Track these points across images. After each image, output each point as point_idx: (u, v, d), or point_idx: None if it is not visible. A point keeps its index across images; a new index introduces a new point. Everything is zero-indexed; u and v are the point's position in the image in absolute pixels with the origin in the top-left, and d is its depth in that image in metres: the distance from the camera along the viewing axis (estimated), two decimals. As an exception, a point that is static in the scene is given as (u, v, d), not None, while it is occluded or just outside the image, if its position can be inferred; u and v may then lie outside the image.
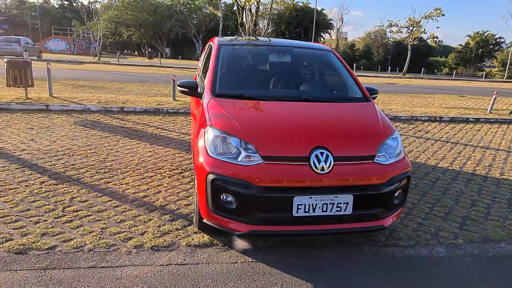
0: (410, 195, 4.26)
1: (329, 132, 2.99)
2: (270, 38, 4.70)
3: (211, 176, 2.68)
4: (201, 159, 2.79)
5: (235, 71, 3.79)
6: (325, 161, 2.69)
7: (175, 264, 2.70)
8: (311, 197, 2.65)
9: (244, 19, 9.36)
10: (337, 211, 2.72)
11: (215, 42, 4.08)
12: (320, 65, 4.17)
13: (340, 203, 2.71)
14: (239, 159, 2.69)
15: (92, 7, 57.69)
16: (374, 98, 3.97)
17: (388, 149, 2.99)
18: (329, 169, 2.69)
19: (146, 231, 3.14)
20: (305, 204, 2.65)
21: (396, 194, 2.95)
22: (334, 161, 2.72)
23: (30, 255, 2.71)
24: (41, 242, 2.87)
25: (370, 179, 2.77)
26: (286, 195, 2.63)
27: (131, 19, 51.86)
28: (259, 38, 4.60)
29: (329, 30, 57.02)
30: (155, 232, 3.13)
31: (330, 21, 56.74)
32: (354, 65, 34.47)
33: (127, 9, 53.17)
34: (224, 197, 2.71)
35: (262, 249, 2.97)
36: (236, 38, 4.61)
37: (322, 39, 55.06)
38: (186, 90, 3.57)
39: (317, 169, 2.67)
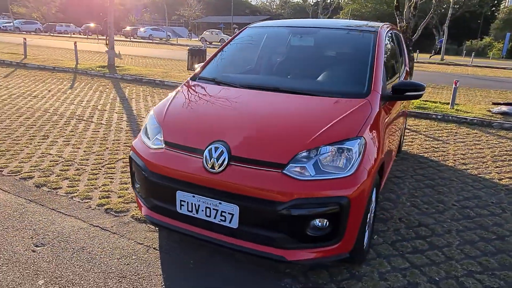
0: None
1: (241, 126, 2.45)
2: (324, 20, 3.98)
3: (130, 153, 2.76)
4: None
5: (237, 55, 3.54)
6: (217, 158, 2.27)
7: (98, 227, 2.95)
8: (194, 196, 2.31)
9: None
10: (221, 220, 2.27)
11: None
12: (345, 50, 3.30)
13: (224, 211, 2.24)
14: (150, 141, 2.63)
15: (341, 1, 60.96)
16: (416, 97, 2.90)
17: (323, 161, 2.19)
18: (221, 168, 2.25)
19: (125, 196, 3.49)
20: (187, 202, 2.35)
21: (316, 223, 2.16)
22: (230, 161, 2.26)
23: (41, 190, 3.55)
24: (58, 183, 3.69)
25: (265, 193, 2.14)
26: (170, 187, 2.40)
27: (370, 11, 51.76)
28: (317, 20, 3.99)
29: None
30: (130, 198, 3.44)
31: None
32: None
33: (367, 1, 53.38)
34: (135, 175, 2.73)
35: (179, 242, 2.80)
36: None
37: None
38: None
39: (208, 165, 2.29)
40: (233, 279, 2.43)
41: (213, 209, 2.27)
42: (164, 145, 2.52)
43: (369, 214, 2.55)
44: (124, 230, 2.93)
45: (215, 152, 2.29)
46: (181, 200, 2.37)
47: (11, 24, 43.35)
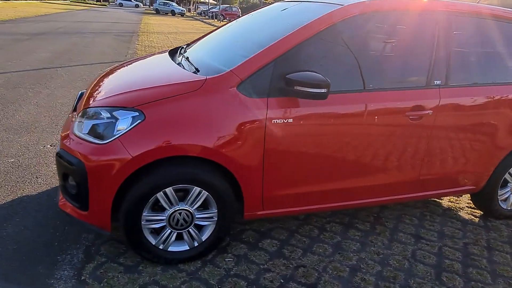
0: None
1: (107, 83, 2.60)
2: None
3: None
4: None
5: (231, 29, 3.31)
6: (80, 102, 2.62)
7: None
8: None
9: None
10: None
11: None
12: (290, 26, 2.42)
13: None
14: None
15: None
16: (310, 96, 2.09)
17: (94, 122, 2.15)
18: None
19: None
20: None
21: (69, 178, 2.19)
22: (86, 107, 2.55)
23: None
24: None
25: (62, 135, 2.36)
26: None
27: None
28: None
29: None
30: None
31: None
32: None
33: None
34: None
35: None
36: None
37: None
38: None
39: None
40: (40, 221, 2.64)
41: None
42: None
43: (176, 214, 2.18)
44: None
45: (78, 96, 2.65)
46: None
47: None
